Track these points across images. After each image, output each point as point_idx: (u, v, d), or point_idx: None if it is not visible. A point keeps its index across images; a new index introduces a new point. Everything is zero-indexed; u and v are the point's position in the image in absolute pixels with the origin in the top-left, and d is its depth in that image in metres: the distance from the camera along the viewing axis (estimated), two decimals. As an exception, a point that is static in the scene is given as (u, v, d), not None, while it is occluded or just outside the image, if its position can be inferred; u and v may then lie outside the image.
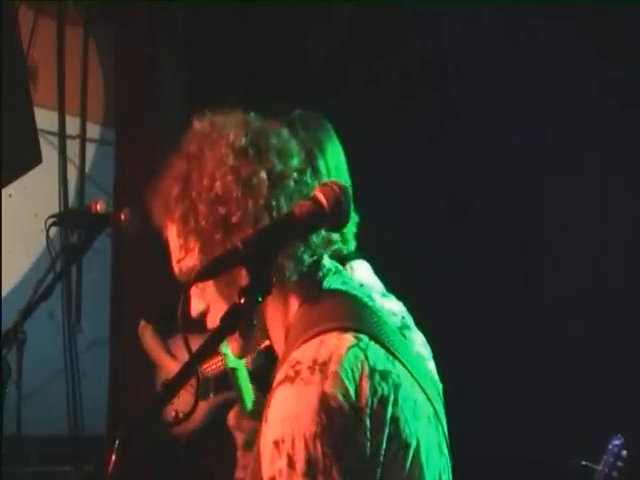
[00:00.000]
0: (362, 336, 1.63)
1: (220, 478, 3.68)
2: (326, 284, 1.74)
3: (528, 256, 5.04)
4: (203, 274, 1.61)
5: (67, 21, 5.24)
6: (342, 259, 2.75)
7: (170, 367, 3.42)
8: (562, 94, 5.06)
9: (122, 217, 2.83)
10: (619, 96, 4.88)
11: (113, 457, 1.46)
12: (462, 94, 5.11)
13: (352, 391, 1.56)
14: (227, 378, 2.95)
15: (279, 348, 1.74)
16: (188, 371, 1.55)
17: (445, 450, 1.74)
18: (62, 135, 5.16)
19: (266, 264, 1.59)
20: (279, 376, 1.60)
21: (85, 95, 5.30)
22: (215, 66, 5.34)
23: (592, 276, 5.00)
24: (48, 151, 4.99)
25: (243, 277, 1.63)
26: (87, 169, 5.32)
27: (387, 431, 1.58)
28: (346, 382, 1.56)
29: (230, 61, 5.25)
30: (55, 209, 4.79)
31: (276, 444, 1.55)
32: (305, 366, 1.58)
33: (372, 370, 1.59)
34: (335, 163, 2.72)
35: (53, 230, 2.89)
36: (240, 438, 2.79)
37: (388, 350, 1.65)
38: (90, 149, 5.36)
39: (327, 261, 1.77)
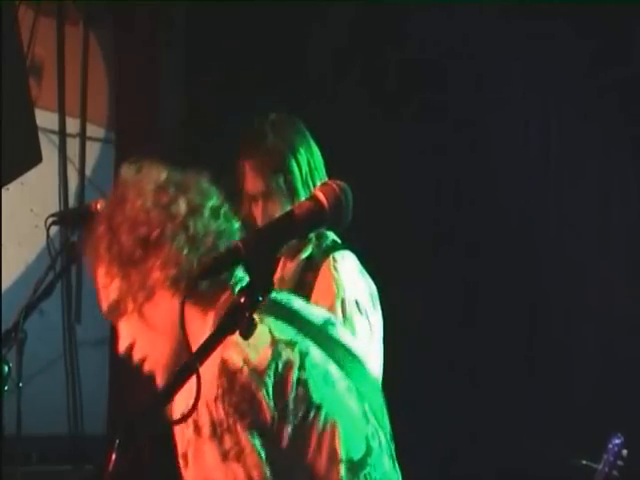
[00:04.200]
0: (266, 316, 1.69)
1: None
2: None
3: (525, 264, 5.03)
4: (204, 274, 1.61)
5: (68, 21, 5.23)
6: (327, 250, 2.78)
7: None
8: (562, 96, 5.07)
9: (122, 217, 2.83)
10: (619, 98, 4.88)
11: (113, 456, 1.47)
12: (460, 97, 5.10)
13: (253, 356, 1.60)
14: None
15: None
16: (188, 371, 1.55)
17: (373, 419, 1.77)
18: (62, 134, 5.16)
19: (267, 263, 1.60)
20: None
21: (85, 94, 5.29)
22: (215, 66, 5.34)
23: (591, 279, 5.01)
24: (47, 148, 4.99)
25: (163, 308, 1.72)
26: (87, 169, 5.32)
27: (294, 393, 1.62)
28: (246, 349, 1.60)
29: (230, 61, 5.25)
30: (51, 205, 4.79)
31: (182, 417, 1.56)
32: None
33: (275, 339, 1.65)
34: (311, 163, 2.79)
35: (53, 229, 2.89)
36: None
37: (297, 328, 1.70)
38: (90, 149, 5.36)
39: (239, 271, 1.82)
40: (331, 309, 2.65)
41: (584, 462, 3.61)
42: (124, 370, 5.66)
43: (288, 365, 1.63)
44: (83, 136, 5.31)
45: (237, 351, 1.60)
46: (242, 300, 1.55)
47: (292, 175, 2.77)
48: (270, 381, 1.59)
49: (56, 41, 5.15)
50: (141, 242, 1.76)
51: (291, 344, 1.66)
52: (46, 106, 5.11)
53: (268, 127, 2.82)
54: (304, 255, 2.79)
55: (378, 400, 1.83)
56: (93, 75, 5.35)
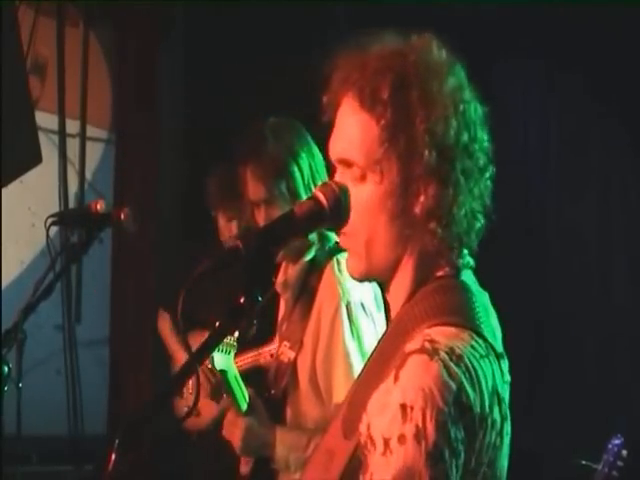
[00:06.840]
0: (491, 351, 1.62)
1: (221, 476, 3.69)
2: (463, 276, 1.70)
3: (524, 263, 5.03)
4: (204, 273, 1.61)
5: (68, 21, 5.23)
6: (330, 252, 2.76)
7: (182, 359, 3.34)
8: (562, 96, 5.07)
9: (122, 217, 2.84)
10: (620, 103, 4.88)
11: (113, 456, 1.46)
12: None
13: (479, 401, 1.53)
14: (249, 377, 2.88)
15: (395, 302, 1.70)
16: (188, 369, 1.55)
17: None
18: (62, 134, 5.16)
19: (266, 263, 1.59)
20: (412, 344, 1.55)
21: (85, 94, 5.29)
22: (215, 66, 5.34)
23: (591, 278, 5.01)
24: (47, 149, 4.99)
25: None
26: (87, 169, 5.32)
27: (487, 459, 1.57)
28: (477, 389, 1.54)
29: (230, 61, 5.25)
30: (49, 204, 4.79)
31: (403, 407, 1.49)
32: (443, 349, 1.53)
33: (495, 391, 1.58)
34: (312, 166, 2.75)
35: (52, 229, 2.89)
36: (237, 444, 2.74)
37: (497, 372, 1.62)
38: (90, 149, 5.36)
39: (467, 253, 1.73)
40: (336, 312, 2.65)
41: (584, 462, 3.61)
42: (124, 370, 5.69)
43: (495, 426, 1.57)
44: (83, 136, 5.31)
45: (473, 387, 1.52)
46: (242, 300, 1.56)
47: (294, 180, 2.71)
48: (482, 434, 1.54)
49: (56, 41, 5.15)
50: (430, 143, 1.61)
51: (501, 400, 1.59)
52: (46, 107, 5.12)
53: (268, 131, 2.75)
54: (307, 258, 2.77)
55: None
56: (93, 75, 5.35)
